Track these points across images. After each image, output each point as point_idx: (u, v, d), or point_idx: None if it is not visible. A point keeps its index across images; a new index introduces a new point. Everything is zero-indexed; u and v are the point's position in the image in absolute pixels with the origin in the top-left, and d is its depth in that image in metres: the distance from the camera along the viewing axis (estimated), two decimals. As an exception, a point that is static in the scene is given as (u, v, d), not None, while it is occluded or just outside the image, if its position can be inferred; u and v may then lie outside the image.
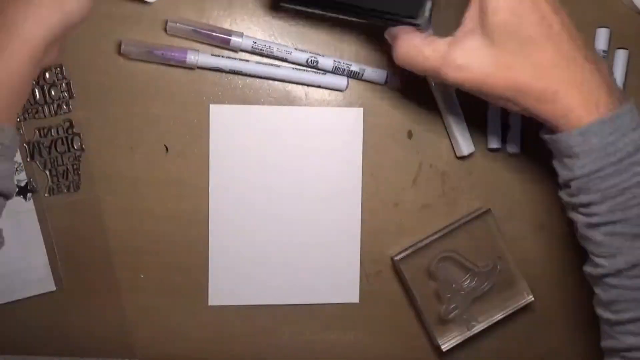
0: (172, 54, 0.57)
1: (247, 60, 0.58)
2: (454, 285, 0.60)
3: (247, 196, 0.59)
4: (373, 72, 0.60)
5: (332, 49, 0.59)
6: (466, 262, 0.60)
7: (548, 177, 0.63)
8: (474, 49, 0.45)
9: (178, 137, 0.59)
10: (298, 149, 0.60)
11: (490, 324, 0.61)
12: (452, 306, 0.60)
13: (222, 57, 0.58)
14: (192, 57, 0.57)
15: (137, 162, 0.58)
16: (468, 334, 0.60)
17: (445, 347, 0.60)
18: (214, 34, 0.57)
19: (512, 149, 0.62)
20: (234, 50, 0.58)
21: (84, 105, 0.57)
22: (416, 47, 0.47)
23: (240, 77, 0.59)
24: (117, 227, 0.58)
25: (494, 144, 0.62)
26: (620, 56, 0.63)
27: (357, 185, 0.60)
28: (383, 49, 0.59)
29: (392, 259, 0.60)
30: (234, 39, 0.57)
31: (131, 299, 0.59)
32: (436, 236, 0.60)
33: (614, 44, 0.63)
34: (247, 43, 0.57)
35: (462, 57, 0.45)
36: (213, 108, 0.58)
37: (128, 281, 0.59)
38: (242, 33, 0.58)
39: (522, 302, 0.61)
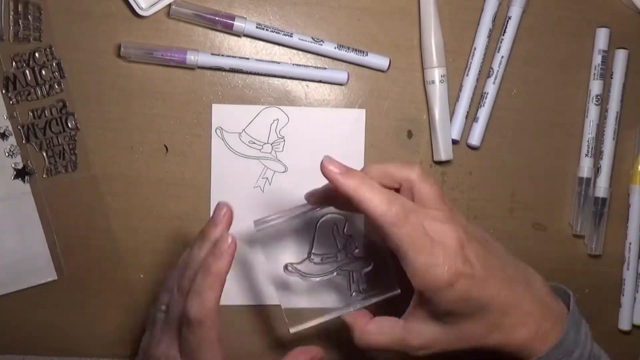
0: (172, 54, 0.57)
1: (247, 58, 0.58)
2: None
3: (248, 196, 0.59)
4: (375, 58, 0.60)
5: (335, 40, 0.60)
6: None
7: (548, 177, 0.63)
8: (425, 331, 0.49)
9: (178, 137, 0.59)
10: (299, 150, 0.60)
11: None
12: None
13: (222, 55, 0.58)
14: (192, 57, 0.57)
15: (137, 162, 0.58)
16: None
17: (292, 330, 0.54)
18: (217, 17, 0.57)
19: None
20: (237, 34, 0.58)
21: (84, 105, 0.57)
22: (374, 339, 0.50)
23: (240, 76, 0.59)
24: (117, 227, 0.58)
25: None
26: (620, 56, 0.63)
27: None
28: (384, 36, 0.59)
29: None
30: (237, 23, 0.57)
31: (131, 299, 0.59)
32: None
33: (614, 44, 0.63)
34: (250, 27, 0.57)
35: (417, 340, 0.49)
36: (215, 107, 0.58)
37: (128, 281, 0.59)
38: (245, 18, 0.58)
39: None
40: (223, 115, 0.58)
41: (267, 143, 0.59)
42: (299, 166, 0.60)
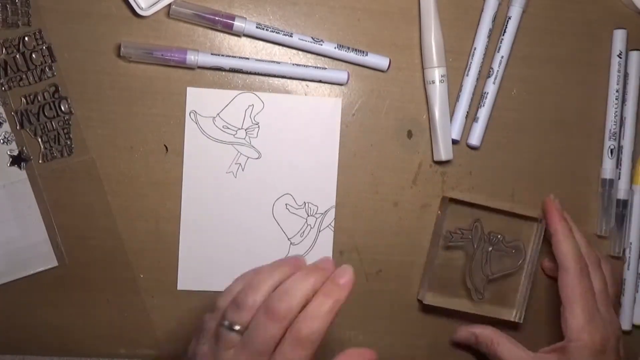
0: (172, 54, 0.57)
1: (247, 58, 0.58)
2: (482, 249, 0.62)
3: (220, 181, 0.59)
4: (375, 58, 0.60)
5: (335, 40, 0.60)
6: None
7: (548, 177, 0.63)
8: None
9: (178, 137, 0.59)
10: (273, 137, 0.59)
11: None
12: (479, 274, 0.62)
13: (222, 55, 0.58)
14: (192, 57, 0.57)
15: (137, 162, 0.58)
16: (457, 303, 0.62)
17: (426, 300, 0.61)
18: (217, 17, 0.57)
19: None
20: (237, 34, 0.58)
21: (84, 105, 0.58)
22: (503, 356, 0.59)
23: (240, 76, 0.59)
24: (117, 227, 0.58)
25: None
26: (634, 58, 0.63)
27: (333, 176, 0.60)
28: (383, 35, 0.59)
29: (445, 197, 0.61)
30: (237, 23, 0.57)
31: (131, 299, 0.59)
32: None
33: (628, 45, 0.63)
34: (250, 27, 0.57)
35: None
36: (190, 90, 0.58)
37: (128, 281, 0.59)
38: (245, 18, 0.58)
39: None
40: (197, 98, 0.58)
41: (242, 129, 0.58)
42: (273, 153, 0.59)
